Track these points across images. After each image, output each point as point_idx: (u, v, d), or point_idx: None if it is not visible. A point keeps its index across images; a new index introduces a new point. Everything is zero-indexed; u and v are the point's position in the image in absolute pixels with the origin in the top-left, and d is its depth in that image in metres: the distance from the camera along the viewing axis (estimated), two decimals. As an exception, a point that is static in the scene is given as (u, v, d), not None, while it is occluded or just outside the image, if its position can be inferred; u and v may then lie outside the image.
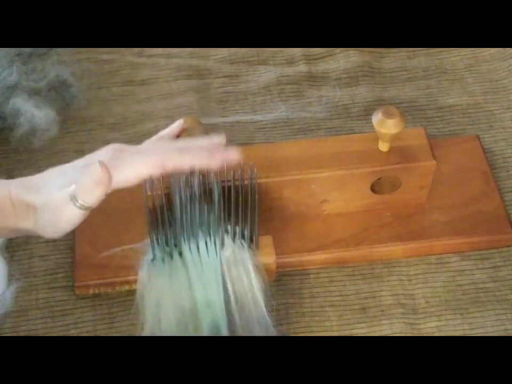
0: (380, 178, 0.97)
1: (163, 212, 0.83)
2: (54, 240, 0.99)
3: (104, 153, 0.82)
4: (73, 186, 0.79)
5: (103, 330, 0.93)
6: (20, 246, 0.99)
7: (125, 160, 0.81)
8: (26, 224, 0.81)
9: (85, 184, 0.78)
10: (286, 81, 1.16)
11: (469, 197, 1.02)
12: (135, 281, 0.86)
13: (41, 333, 0.93)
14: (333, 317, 0.95)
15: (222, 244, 0.86)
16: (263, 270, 0.87)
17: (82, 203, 0.78)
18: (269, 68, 1.18)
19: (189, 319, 0.85)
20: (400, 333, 0.93)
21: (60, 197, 0.79)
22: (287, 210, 0.99)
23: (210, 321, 0.85)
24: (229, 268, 0.85)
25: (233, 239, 0.86)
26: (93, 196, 0.79)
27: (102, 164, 0.78)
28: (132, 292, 0.87)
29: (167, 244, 0.85)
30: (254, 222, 0.86)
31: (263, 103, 1.14)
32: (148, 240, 0.85)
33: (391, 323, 0.94)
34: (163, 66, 1.19)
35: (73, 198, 0.78)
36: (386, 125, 0.93)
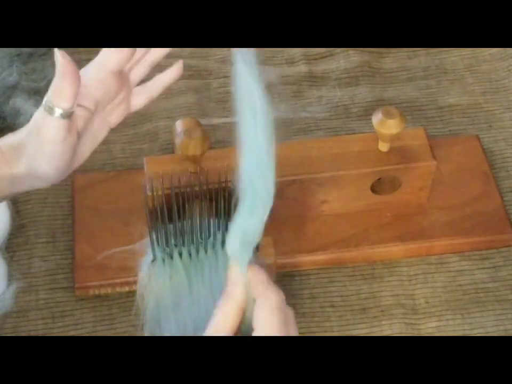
0: (380, 179, 0.97)
1: (163, 212, 0.83)
2: (54, 241, 0.99)
3: None
4: (45, 98, 0.77)
5: (103, 332, 0.93)
6: (20, 246, 0.99)
7: (89, 64, 0.85)
8: (19, 168, 0.79)
9: (54, 86, 0.76)
10: (286, 81, 1.16)
11: (469, 197, 1.02)
12: (135, 282, 0.86)
13: (41, 333, 0.93)
14: (333, 317, 0.95)
15: (222, 244, 0.86)
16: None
17: (58, 110, 0.76)
18: (269, 68, 1.18)
19: (189, 319, 0.85)
20: (400, 333, 0.93)
21: (37, 115, 0.77)
22: (287, 210, 0.99)
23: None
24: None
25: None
26: (65, 96, 0.76)
27: (61, 52, 0.77)
28: (132, 293, 0.87)
29: (167, 245, 0.85)
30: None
31: (263, 103, 1.14)
32: (147, 241, 0.85)
33: (391, 323, 0.94)
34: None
35: (48, 108, 0.76)
36: (386, 125, 0.93)
